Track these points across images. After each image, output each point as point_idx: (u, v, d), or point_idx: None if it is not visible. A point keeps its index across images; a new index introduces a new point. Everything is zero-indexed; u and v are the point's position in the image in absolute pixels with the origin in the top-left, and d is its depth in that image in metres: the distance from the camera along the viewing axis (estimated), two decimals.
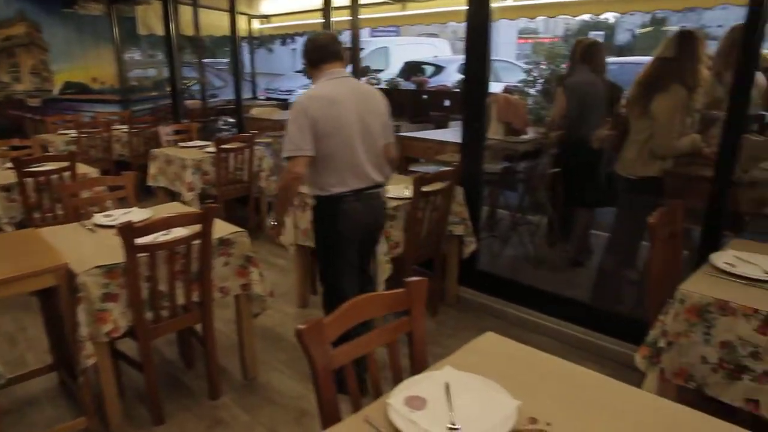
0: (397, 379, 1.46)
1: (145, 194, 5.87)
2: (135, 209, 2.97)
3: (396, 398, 1.30)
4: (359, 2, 4.69)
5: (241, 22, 7.96)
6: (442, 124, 5.99)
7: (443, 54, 10.68)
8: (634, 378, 2.16)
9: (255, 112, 7.10)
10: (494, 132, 4.41)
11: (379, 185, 2.65)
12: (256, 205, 5.19)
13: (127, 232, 2.18)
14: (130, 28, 7.88)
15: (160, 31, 6.88)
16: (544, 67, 6.79)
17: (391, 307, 1.54)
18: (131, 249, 2.22)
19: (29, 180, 3.71)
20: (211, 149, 4.84)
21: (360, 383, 1.48)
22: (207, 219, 2.43)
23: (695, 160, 3.08)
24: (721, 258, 2.20)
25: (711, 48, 3.32)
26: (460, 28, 3.49)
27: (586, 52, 3.96)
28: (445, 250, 3.66)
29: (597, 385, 1.41)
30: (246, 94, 8.36)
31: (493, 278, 3.81)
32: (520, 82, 7.54)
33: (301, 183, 2.50)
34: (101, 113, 7.27)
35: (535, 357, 1.54)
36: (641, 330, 2.22)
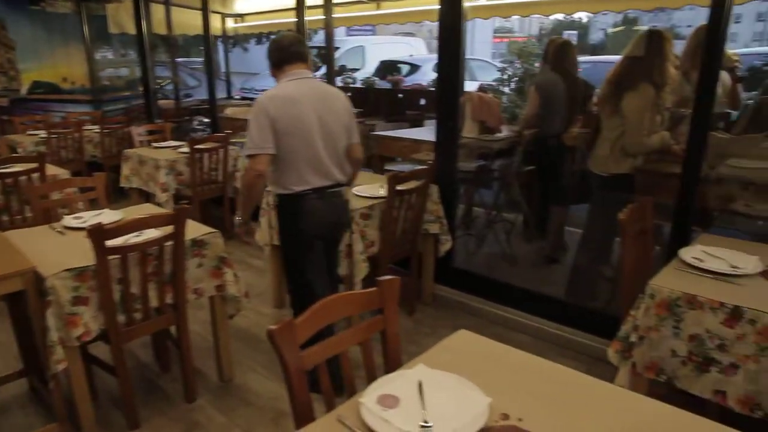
0: (371, 378, 1.46)
1: (119, 196, 5.79)
2: (106, 211, 2.93)
3: (369, 397, 1.30)
4: (333, 1, 4.67)
5: (215, 21, 7.87)
6: (417, 123, 6.01)
7: (419, 53, 10.70)
8: (609, 372, 2.20)
9: (230, 111, 7.04)
10: (469, 130, 4.44)
11: (341, 184, 2.67)
12: (232, 206, 5.15)
13: (97, 234, 2.15)
14: (101, 26, 7.73)
15: (132, 29, 6.77)
16: (518, 65, 6.85)
17: (364, 306, 1.54)
18: (102, 251, 2.19)
19: None
20: (185, 149, 4.79)
21: (335, 382, 1.48)
22: (179, 220, 2.40)
23: (665, 157, 3.14)
24: (689, 253, 2.25)
25: (680, 47, 3.39)
26: (436, 27, 3.51)
27: (558, 52, 4.01)
28: (420, 249, 3.68)
29: (568, 381, 1.43)
30: (221, 94, 8.28)
31: (469, 276, 3.84)
32: (495, 80, 7.60)
33: (263, 180, 2.50)
34: (72, 113, 7.13)
35: (507, 354, 1.55)
36: (615, 325, 2.25)
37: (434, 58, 3.66)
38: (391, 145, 5.14)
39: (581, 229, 3.82)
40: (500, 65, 9.00)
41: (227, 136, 4.88)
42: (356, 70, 9.64)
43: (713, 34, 2.50)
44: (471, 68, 9.40)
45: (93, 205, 3.17)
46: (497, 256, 4.44)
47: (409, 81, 8.47)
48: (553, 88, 4.04)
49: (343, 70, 8.86)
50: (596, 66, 6.28)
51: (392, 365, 1.55)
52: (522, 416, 1.26)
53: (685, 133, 2.64)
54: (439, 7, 3.44)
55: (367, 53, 10.37)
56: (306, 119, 2.48)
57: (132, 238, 2.38)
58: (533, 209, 4.58)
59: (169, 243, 2.42)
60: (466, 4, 3.41)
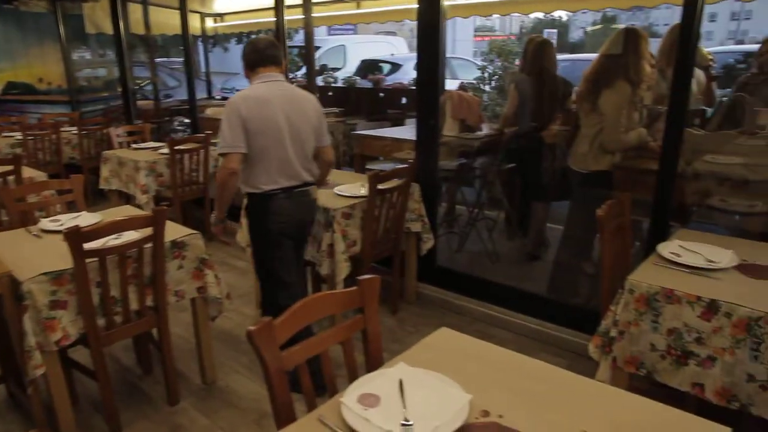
0: (353, 377, 1.46)
1: (99, 198, 5.72)
2: (84, 213, 2.89)
3: (349, 396, 1.30)
4: (312, 0, 4.66)
5: (194, 21, 7.81)
6: (399, 122, 6.02)
7: (400, 52, 10.70)
8: (591, 367, 2.22)
9: (210, 112, 6.98)
10: (449, 129, 4.45)
11: (309, 184, 2.75)
12: (213, 207, 5.11)
13: (74, 237, 2.12)
14: (78, 26, 7.62)
15: (109, 29, 6.68)
16: (498, 64, 6.90)
17: (344, 305, 1.54)
18: (79, 254, 2.16)
19: None
20: (165, 151, 4.74)
21: (316, 381, 1.48)
22: (158, 222, 2.38)
23: (642, 153, 3.18)
24: (667, 248, 2.28)
25: (657, 46, 3.44)
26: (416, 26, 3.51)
27: (536, 50, 4.04)
28: (403, 248, 3.68)
29: (548, 377, 1.44)
30: (201, 94, 8.21)
31: (452, 274, 3.85)
32: (475, 79, 7.63)
33: (237, 178, 2.57)
34: (49, 114, 7.03)
35: (488, 351, 1.56)
36: (596, 320, 2.27)
37: (415, 57, 3.66)
38: (373, 144, 5.14)
39: (563, 226, 3.85)
40: (481, 64, 9.04)
41: (208, 137, 4.84)
42: (337, 69, 9.61)
43: (686, 32, 2.54)
44: (452, 67, 9.42)
45: (71, 207, 3.13)
46: (480, 253, 4.47)
47: (391, 80, 8.47)
48: (531, 87, 4.07)
49: (324, 69, 8.83)
50: (575, 64, 6.34)
51: (373, 364, 1.56)
52: (502, 413, 1.27)
53: (662, 130, 2.68)
54: (418, 5, 3.45)
55: (348, 52, 10.34)
56: (276, 120, 2.55)
57: (111, 241, 2.35)
58: (515, 207, 4.61)
59: (149, 245, 2.39)
60: (445, 3, 3.42)
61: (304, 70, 6.66)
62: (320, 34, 11.28)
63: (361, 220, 3.23)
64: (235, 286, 3.95)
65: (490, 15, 5.26)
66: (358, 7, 6.10)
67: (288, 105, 2.60)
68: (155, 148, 5.06)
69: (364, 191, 3.23)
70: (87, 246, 2.18)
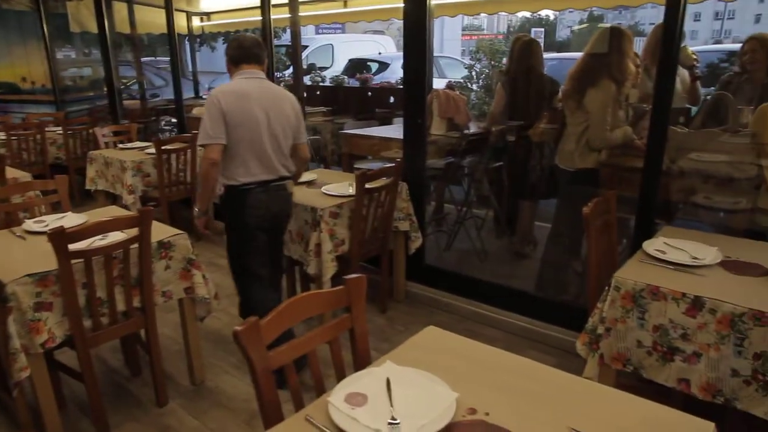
0: (340, 377, 1.46)
1: (85, 198, 5.67)
2: (69, 214, 2.86)
3: (336, 396, 1.30)
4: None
5: (181, 20, 7.75)
6: (387, 121, 6.01)
7: (388, 51, 10.70)
8: (579, 364, 2.24)
9: (197, 111, 6.94)
10: (437, 128, 4.46)
11: (285, 178, 2.83)
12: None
13: (59, 237, 2.10)
14: (62, 24, 7.52)
15: (94, 28, 6.61)
16: (484, 63, 6.91)
17: (331, 305, 1.54)
18: (64, 255, 2.14)
19: None
20: (152, 150, 4.71)
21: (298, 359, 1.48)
22: (144, 222, 2.36)
23: (628, 151, 3.21)
24: (652, 245, 2.29)
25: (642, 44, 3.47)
26: None
27: (523, 49, 4.06)
28: (391, 247, 3.68)
29: (535, 374, 1.45)
30: (188, 93, 8.16)
31: (441, 273, 3.86)
32: (463, 78, 7.64)
33: (217, 169, 2.65)
34: (33, 114, 6.95)
35: (475, 349, 1.57)
36: (584, 318, 2.28)
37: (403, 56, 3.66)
38: (361, 143, 5.14)
39: (550, 224, 3.87)
40: (469, 63, 9.06)
41: (195, 137, 4.79)
42: (325, 68, 9.59)
43: (670, 31, 2.56)
44: (440, 66, 9.43)
45: (56, 208, 3.10)
46: (468, 252, 4.48)
47: (378, 79, 8.47)
48: (518, 86, 4.09)
49: (311, 68, 8.80)
50: (562, 63, 6.37)
51: (361, 363, 1.56)
52: (489, 410, 1.28)
53: (647, 128, 2.70)
54: (404, 5, 3.45)
55: (336, 52, 10.33)
56: (255, 115, 2.65)
57: (97, 242, 2.33)
58: (503, 205, 4.63)
59: (135, 246, 2.38)
60: (432, 2, 3.42)
61: (291, 69, 6.63)
62: (308, 33, 11.26)
63: (349, 219, 3.23)
64: (222, 286, 3.92)
65: (477, 14, 5.27)
66: (345, 6, 6.09)
67: (267, 101, 2.69)
68: (142, 148, 5.03)
69: (351, 190, 3.23)
70: (72, 247, 2.17)
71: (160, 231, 2.61)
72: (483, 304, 3.56)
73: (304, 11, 5.98)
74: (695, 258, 2.16)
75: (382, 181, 3.31)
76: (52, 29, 7.57)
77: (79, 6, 7.29)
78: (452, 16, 5.03)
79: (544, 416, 1.27)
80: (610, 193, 2.56)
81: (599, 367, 2.17)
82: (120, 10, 6.69)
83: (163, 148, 4.53)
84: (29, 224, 2.72)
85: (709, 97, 3.47)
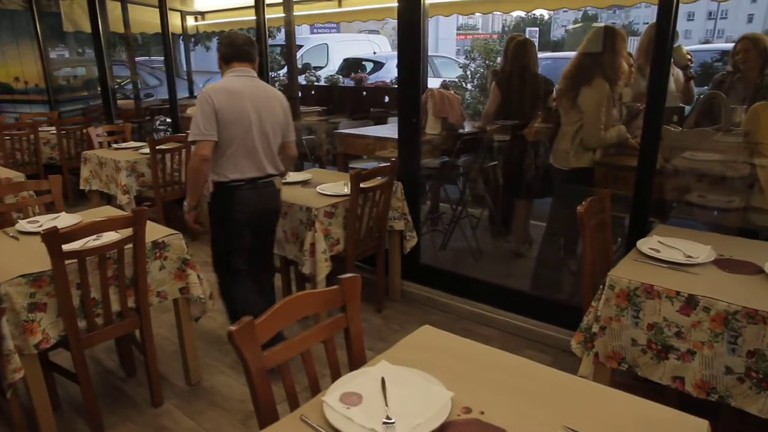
0: (335, 376, 1.46)
1: (80, 199, 5.65)
2: (63, 214, 2.85)
3: (331, 395, 1.30)
4: None
5: (175, 19, 7.74)
6: (381, 121, 6.01)
7: (383, 51, 10.69)
8: (575, 363, 2.24)
9: (191, 111, 6.91)
10: (431, 127, 4.46)
11: (273, 176, 2.87)
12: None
13: (52, 238, 2.09)
14: (55, 24, 7.49)
15: (87, 27, 6.59)
16: (479, 62, 6.91)
17: (326, 304, 1.54)
18: (58, 256, 2.13)
19: None
20: (146, 150, 4.70)
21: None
22: (138, 222, 2.35)
23: (622, 150, 3.22)
24: (646, 244, 2.30)
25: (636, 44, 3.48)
26: None
27: (517, 49, 4.06)
28: (386, 246, 3.68)
29: (530, 373, 1.45)
30: (183, 93, 8.13)
31: (436, 272, 3.87)
32: (458, 77, 7.64)
33: (208, 165, 2.67)
34: (26, 114, 6.92)
35: (470, 348, 1.57)
36: (580, 316, 2.29)
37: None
38: (356, 142, 5.14)
39: (546, 223, 3.88)
40: (463, 62, 9.06)
41: (188, 136, 4.79)
42: (320, 68, 9.58)
43: (662, 31, 2.56)
44: (435, 65, 9.44)
45: (50, 208, 3.09)
46: (464, 251, 4.49)
47: (373, 78, 8.46)
48: (513, 85, 4.10)
49: (306, 68, 8.79)
50: (557, 62, 6.38)
51: (356, 363, 1.56)
52: (484, 409, 1.28)
53: (641, 127, 2.71)
54: (398, 4, 3.44)
55: (331, 51, 10.31)
56: (245, 113, 2.68)
57: (91, 242, 2.33)
58: (498, 204, 4.64)
59: (129, 246, 2.37)
60: (427, 2, 3.42)
61: (286, 68, 6.63)
62: (303, 32, 11.23)
63: (344, 218, 3.22)
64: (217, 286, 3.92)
65: (472, 13, 5.28)
66: (340, 5, 6.09)
67: (258, 99, 2.73)
68: (136, 148, 5.01)
69: (347, 190, 3.23)
70: (66, 247, 2.16)
71: (155, 231, 2.61)
72: (478, 303, 3.57)
73: (299, 11, 5.97)
74: (689, 256, 2.17)
75: (377, 181, 3.31)
76: (46, 28, 7.53)
77: (72, 5, 7.25)
78: (447, 16, 5.04)
79: (539, 415, 1.27)
80: (605, 192, 2.57)
81: (594, 366, 2.18)
82: (114, 9, 6.67)
83: (157, 147, 4.52)
84: (23, 225, 2.71)
85: (702, 96, 3.49)
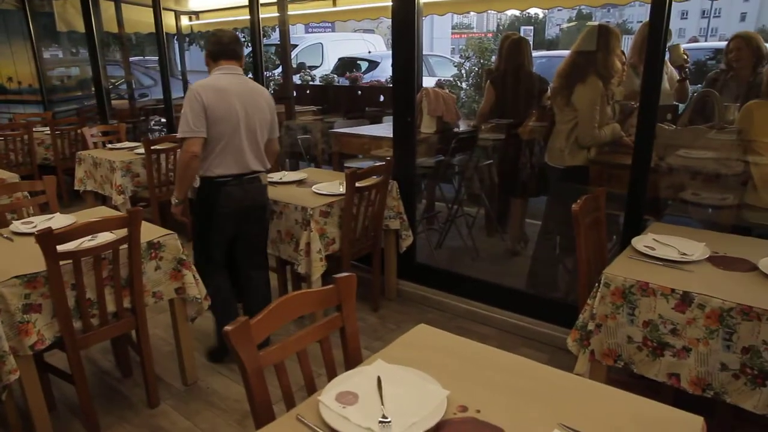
0: (331, 376, 1.46)
1: (75, 199, 5.63)
2: (57, 215, 2.84)
3: (327, 395, 1.30)
4: None
5: (169, 19, 7.70)
6: (377, 120, 6.01)
7: (378, 50, 10.69)
8: (571, 361, 2.25)
9: None
10: (426, 126, 4.46)
11: (259, 172, 2.92)
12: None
13: (46, 239, 2.08)
14: (48, 24, 7.44)
15: (81, 27, 6.56)
16: (473, 61, 6.92)
17: (321, 304, 1.54)
18: (52, 256, 2.12)
19: None
20: (141, 150, 4.68)
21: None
22: (133, 222, 2.34)
23: (617, 148, 3.23)
24: (641, 241, 2.31)
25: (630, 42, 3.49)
26: None
27: (512, 48, 4.07)
28: (382, 245, 3.68)
29: (526, 371, 1.45)
30: (178, 93, 8.10)
31: (432, 271, 3.87)
32: (453, 76, 7.65)
33: (198, 161, 2.71)
34: (20, 115, 6.89)
35: (466, 347, 1.57)
36: (576, 314, 2.30)
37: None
38: (351, 142, 5.14)
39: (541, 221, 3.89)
40: (458, 61, 9.06)
41: None
42: (315, 67, 9.57)
43: (656, 29, 2.57)
44: (429, 64, 9.44)
45: (44, 209, 3.08)
46: (460, 250, 4.49)
47: (368, 78, 8.46)
48: (507, 84, 4.10)
49: (301, 67, 8.78)
50: (551, 61, 6.40)
51: (352, 362, 1.56)
52: (480, 407, 1.28)
53: (635, 125, 2.72)
54: (392, 3, 3.44)
55: (326, 50, 10.30)
56: (234, 110, 2.73)
57: (85, 242, 2.32)
58: (493, 203, 4.64)
59: (124, 246, 2.36)
60: (421, 1, 3.42)
61: (281, 68, 6.61)
62: (297, 32, 11.22)
63: (339, 218, 3.22)
64: None
65: (467, 12, 5.27)
66: (335, 5, 6.08)
67: (244, 96, 2.78)
68: (131, 148, 4.99)
69: (342, 189, 3.22)
70: (60, 248, 2.15)
71: (150, 231, 2.60)
72: (474, 301, 3.57)
73: (293, 10, 5.96)
74: (683, 254, 2.18)
75: (372, 180, 3.31)
76: (39, 28, 7.49)
77: (65, 5, 7.22)
78: (441, 15, 5.03)
79: (535, 413, 1.27)
80: (600, 190, 2.58)
81: (590, 363, 2.18)
82: (107, 8, 6.64)
83: (152, 148, 4.50)
84: (17, 225, 2.70)
85: (695, 94, 3.50)
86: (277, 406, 1.41)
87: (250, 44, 4.80)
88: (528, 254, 4.18)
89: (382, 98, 6.33)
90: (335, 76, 8.37)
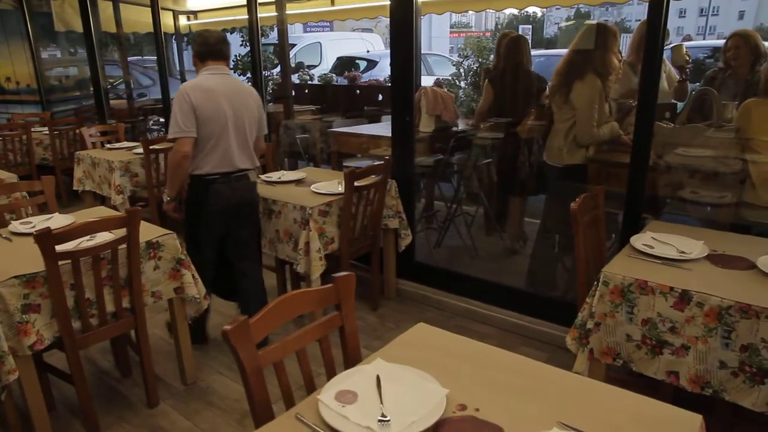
0: (331, 375, 1.46)
1: (73, 199, 5.63)
2: (56, 215, 2.84)
3: (326, 394, 1.30)
4: None
5: (167, 18, 7.70)
6: (375, 119, 6.00)
7: (376, 49, 10.67)
8: (571, 359, 2.25)
9: None
10: (425, 125, 4.46)
11: (248, 170, 2.97)
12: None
13: (45, 239, 2.08)
14: (46, 24, 7.43)
15: (79, 27, 6.56)
16: (472, 60, 6.90)
17: (320, 303, 1.54)
18: (51, 257, 2.12)
19: None
20: (140, 150, 4.68)
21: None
22: (132, 222, 2.34)
23: (615, 147, 3.23)
24: (640, 240, 2.32)
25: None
26: None
27: (510, 46, 4.06)
28: (381, 244, 3.68)
29: (525, 370, 1.45)
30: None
31: (431, 270, 3.87)
32: (451, 75, 7.64)
33: (188, 160, 2.78)
34: (18, 115, 6.88)
35: (465, 345, 1.57)
36: (575, 313, 2.30)
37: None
38: (350, 141, 5.14)
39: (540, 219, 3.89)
40: (457, 60, 9.05)
41: None
42: (314, 66, 9.55)
43: (653, 28, 2.57)
44: (428, 63, 9.43)
45: (43, 209, 3.08)
46: (459, 249, 4.49)
47: (367, 77, 8.44)
48: (506, 82, 4.10)
49: (299, 67, 8.77)
50: (550, 59, 6.39)
51: (352, 361, 1.56)
52: (479, 406, 1.28)
53: (633, 124, 2.72)
54: (390, 2, 3.44)
55: (325, 50, 10.29)
56: (221, 109, 2.79)
57: (84, 242, 2.32)
58: (492, 202, 4.64)
59: (123, 246, 2.36)
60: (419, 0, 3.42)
61: (279, 67, 6.61)
62: (296, 31, 11.19)
63: (338, 217, 3.22)
64: None
65: (465, 11, 5.27)
66: (333, 4, 6.07)
67: (232, 96, 2.83)
68: (129, 148, 4.99)
69: (341, 188, 3.22)
70: (59, 248, 2.15)
71: (149, 231, 2.60)
72: (473, 300, 3.57)
73: (291, 9, 5.95)
74: (682, 252, 2.18)
75: (371, 179, 3.31)
76: (37, 28, 7.47)
77: (63, 4, 7.21)
78: (440, 14, 5.03)
79: (534, 411, 1.27)
80: (598, 188, 2.58)
81: (589, 362, 2.19)
82: (105, 8, 6.64)
83: (151, 147, 4.49)
84: (15, 226, 2.69)
85: (694, 92, 3.50)
86: (277, 405, 1.41)
87: (248, 44, 4.80)
88: (527, 253, 4.19)
89: (380, 97, 6.32)
90: (334, 75, 8.36)
